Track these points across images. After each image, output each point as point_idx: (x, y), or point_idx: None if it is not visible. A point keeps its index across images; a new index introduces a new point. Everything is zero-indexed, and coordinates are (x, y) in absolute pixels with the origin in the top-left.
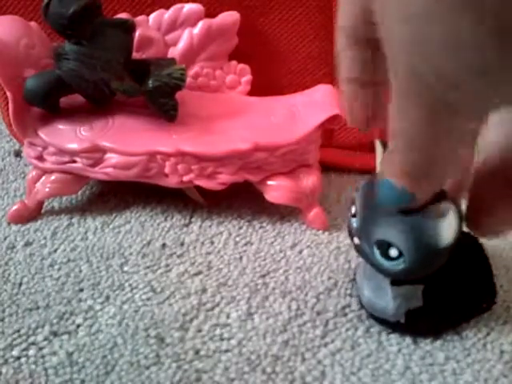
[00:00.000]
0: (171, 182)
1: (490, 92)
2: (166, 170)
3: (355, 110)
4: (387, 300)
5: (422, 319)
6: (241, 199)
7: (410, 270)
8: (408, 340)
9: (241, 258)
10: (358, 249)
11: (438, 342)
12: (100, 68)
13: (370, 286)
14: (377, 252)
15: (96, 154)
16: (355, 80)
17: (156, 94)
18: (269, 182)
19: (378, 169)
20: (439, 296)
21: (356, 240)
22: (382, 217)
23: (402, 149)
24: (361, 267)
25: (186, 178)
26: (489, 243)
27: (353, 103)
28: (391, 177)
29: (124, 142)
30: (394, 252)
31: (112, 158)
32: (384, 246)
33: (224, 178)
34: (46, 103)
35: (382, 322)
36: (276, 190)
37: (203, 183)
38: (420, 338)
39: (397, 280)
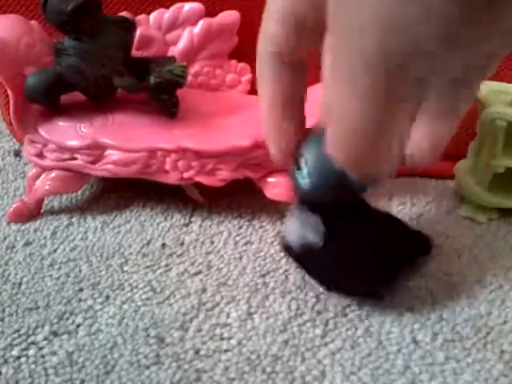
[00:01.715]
0: (172, 178)
1: (450, 61)
2: (167, 167)
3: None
4: (291, 224)
5: (316, 259)
6: (241, 198)
7: (312, 186)
8: (408, 340)
9: (241, 257)
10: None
11: (438, 342)
12: (99, 64)
13: (288, 222)
14: (295, 168)
15: (96, 150)
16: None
17: (157, 90)
18: (269, 179)
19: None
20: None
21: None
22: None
23: (345, 137)
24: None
25: (186, 175)
26: (489, 243)
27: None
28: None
29: (124, 139)
30: (302, 162)
31: (112, 155)
32: (297, 158)
33: (224, 175)
34: (47, 100)
35: (284, 248)
36: (276, 187)
37: (203, 180)
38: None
39: (301, 202)
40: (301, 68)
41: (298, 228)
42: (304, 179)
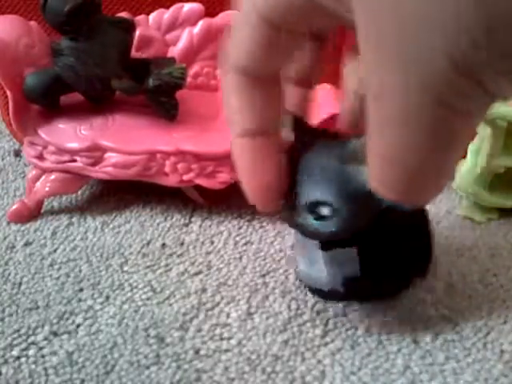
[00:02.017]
0: (171, 181)
1: None
2: (166, 169)
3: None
4: (321, 269)
5: (360, 286)
6: (241, 199)
7: (343, 224)
8: (408, 340)
9: (241, 257)
10: (290, 223)
11: (438, 342)
12: (95, 64)
13: (305, 261)
14: (309, 217)
15: (96, 153)
16: (250, 131)
17: (156, 92)
18: None
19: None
20: (377, 262)
21: (286, 214)
22: (307, 178)
23: (392, 165)
24: (296, 245)
25: (186, 177)
26: (488, 243)
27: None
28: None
29: (124, 141)
30: (325, 210)
31: (112, 157)
32: (314, 207)
33: (224, 177)
34: (46, 100)
35: (321, 293)
36: None
37: (203, 182)
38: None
39: (327, 244)
40: (275, 91)
41: (330, 268)
42: (326, 222)
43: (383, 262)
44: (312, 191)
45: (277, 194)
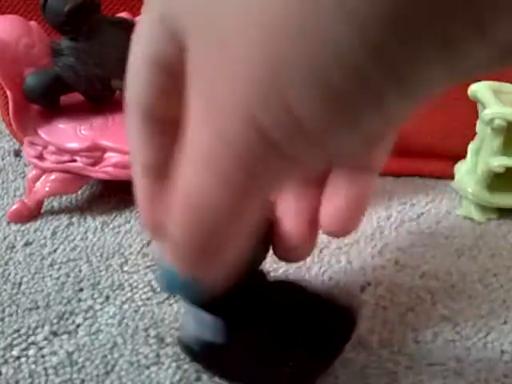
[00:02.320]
0: None
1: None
2: None
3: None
4: (186, 322)
5: (220, 360)
6: None
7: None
8: (408, 340)
9: None
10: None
11: (438, 342)
12: (95, 64)
13: (184, 316)
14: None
15: (96, 153)
16: (152, 169)
17: None
18: None
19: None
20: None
21: None
22: None
23: (191, 223)
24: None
25: None
26: (489, 243)
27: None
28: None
29: (124, 141)
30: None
31: (112, 157)
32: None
33: None
34: (46, 100)
35: (180, 345)
36: None
37: None
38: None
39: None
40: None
41: (194, 327)
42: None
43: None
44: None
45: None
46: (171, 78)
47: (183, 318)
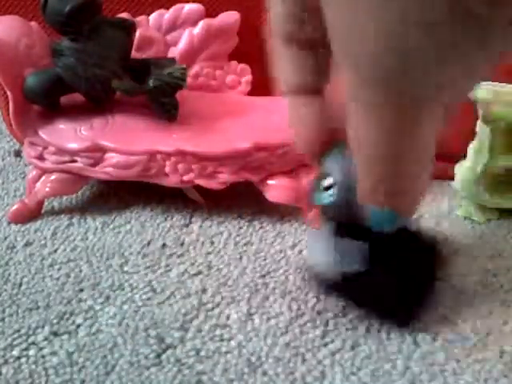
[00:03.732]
0: (171, 181)
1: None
2: (167, 170)
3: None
4: (329, 257)
5: (361, 284)
6: (241, 199)
7: (336, 203)
8: (408, 340)
9: (241, 257)
10: (312, 200)
11: (438, 342)
12: (95, 65)
13: (317, 247)
14: (320, 190)
15: (96, 153)
16: (300, 90)
17: (157, 93)
18: (269, 182)
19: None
20: (386, 268)
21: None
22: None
23: (370, 164)
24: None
25: (186, 178)
26: (489, 243)
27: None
28: (370, 203)
29: (124, 142)
30: (327, 181)
31: (112, 158)
32: (322, 177)
33: (224, 178)
34: (46, 101)
35: (322, 283)
36: (276, 190)
37: (203, 183)
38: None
39: (339, 230)
40: (319, 55)
41: (337, 256)
42: (327, 193)
43: (393, 270)
44: (324, 167)
45: (319, 148)
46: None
47: (318, 251)
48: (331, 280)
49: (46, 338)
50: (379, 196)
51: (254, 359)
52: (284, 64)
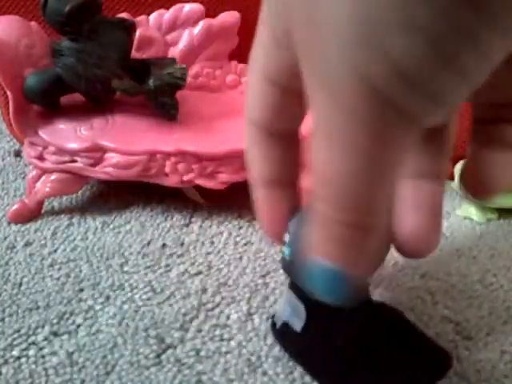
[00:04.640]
0: (172, 181)
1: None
2: (167, 170)
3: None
4: (284, 301)
5: (296, 342)
6: (241, 199)
7: (287, 261)
8: None
9: (241, 257)
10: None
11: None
12: (95, 65)
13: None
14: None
15: (96, 153)
16: (268, 182)
17: (157, 93)
18: None
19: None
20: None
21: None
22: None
23: (336, 199)
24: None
25: (186, 178)
26: (489, 243)
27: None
28: (320, 251)
29: (124, 142)
30: (286, 237)
31: (112, 158)
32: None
33: (224, 178)
34: (46, 101)
35: (274, 328)
36: None
37: (204, 182)
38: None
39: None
40: (292, 144)
41: (285, 308)
42: (287, 250)
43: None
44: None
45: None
46: (284, 92)
47: (280, 300)
48: (278, 327)
49: (45, 338)
50: (332, 242)
51: (253, 359)
52: (257, 154)
